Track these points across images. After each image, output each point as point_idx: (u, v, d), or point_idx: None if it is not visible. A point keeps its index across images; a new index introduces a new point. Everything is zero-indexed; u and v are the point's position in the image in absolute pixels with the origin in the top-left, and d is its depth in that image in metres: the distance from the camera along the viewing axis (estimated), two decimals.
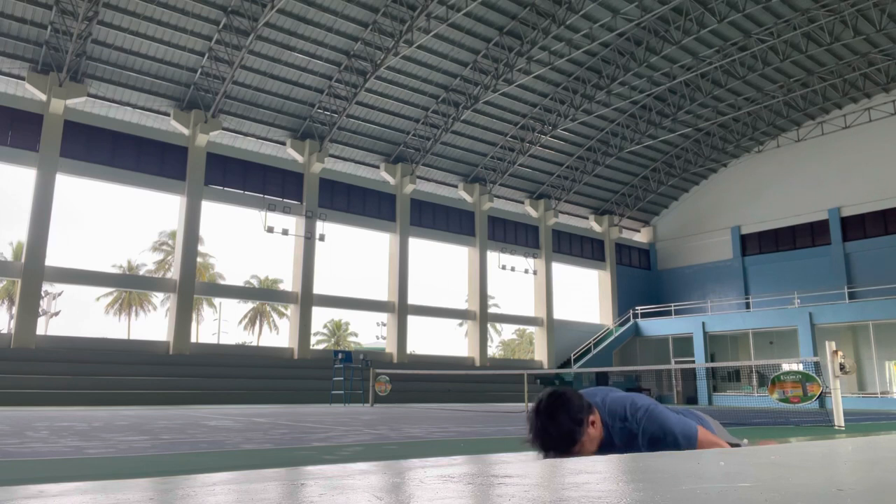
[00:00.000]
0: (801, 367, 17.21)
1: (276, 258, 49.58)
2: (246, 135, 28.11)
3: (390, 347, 31.49)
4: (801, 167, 35.25)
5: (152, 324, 59.10)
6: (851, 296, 31.46)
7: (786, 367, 16.44)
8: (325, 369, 26.22)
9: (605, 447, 2.71)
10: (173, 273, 28.00)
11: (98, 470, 4.59)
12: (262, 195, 28.09)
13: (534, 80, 29.03)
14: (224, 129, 27.20)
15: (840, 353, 11.38)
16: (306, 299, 28.41)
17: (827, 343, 11.59)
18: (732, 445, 2.99)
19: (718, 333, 34.32)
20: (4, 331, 33.01)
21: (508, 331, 66.65)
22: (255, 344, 54.97)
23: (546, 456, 2.64)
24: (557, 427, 2.60)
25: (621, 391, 2.94)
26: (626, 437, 2.73)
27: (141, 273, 51.59)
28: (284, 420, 11.63)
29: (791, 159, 35.52)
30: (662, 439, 2.67)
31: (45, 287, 30.46)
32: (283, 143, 28.83)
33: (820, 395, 11.71)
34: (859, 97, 33.07)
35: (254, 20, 23.02)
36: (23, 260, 22.84)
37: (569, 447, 2.61)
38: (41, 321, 37.72)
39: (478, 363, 33.32)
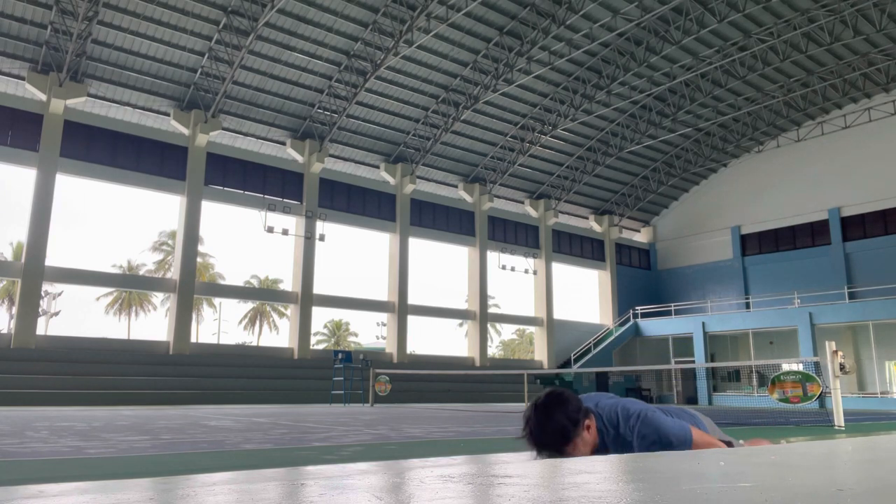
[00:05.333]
0: (801, 367, 17.20)
1: (276, 258, 49.60)
2: (246, 135, 28.11)
3: (390, 347, 31.49)
4: (801, 167, 35.24)
5: (152, 324, 59.07)
6: (851, 296, 31.45)
7: (786, 367, 16.43)
8: (325, 369, 26.22)
9: (598, 453, 2.71)
10: (173, 273, 27.99)
11: (98, 470, 4.59)
12: (262, 195, 28.09)
13: (534, 80, 29.02)
14: (224, 129, 27.21)
15: (840, 353, 11.37)
16: (306, 299, 28.41)
17: (827, 343, 11.59)
18: (727, 444, 3.00)
19: (718, 333, 34.32)
20: (4, 331, 33.00)
21: (508, 331, 66.64)
22: (255, 344, 54.95)
23: (539, 454, 2.63)
24: (552, 424, 2.60)
25: (613, 397, 2.94)
26: (620, 444, 2.75)
27: (141, 273, 51.57)
28: (284, 420, 11.63)
29: (791, 159, 35.52)
30: (657, 442, 2.69)
31: (45, 287, 30.47)
32: (283, 143, 28.84)
33: (820, 395, 11.71)
34: (859, 97, 33.07)
35: (254, 20, 23.03)
36: (23, 260, 22.84)
37: (561, 445, 2.60)
38: (41, 321, 37.72)
39: (478, 363, 33.32)
